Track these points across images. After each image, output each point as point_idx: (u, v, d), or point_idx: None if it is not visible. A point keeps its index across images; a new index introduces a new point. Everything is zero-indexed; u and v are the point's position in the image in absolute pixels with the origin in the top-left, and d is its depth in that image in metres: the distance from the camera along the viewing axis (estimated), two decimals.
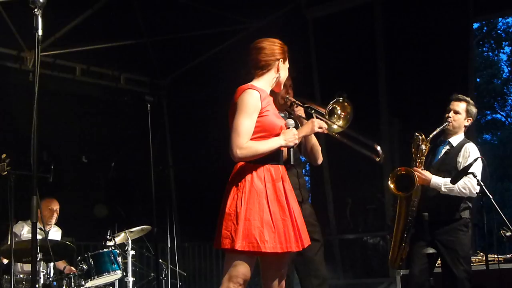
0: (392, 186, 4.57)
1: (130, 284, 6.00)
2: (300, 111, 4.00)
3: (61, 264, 6.07)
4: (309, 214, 4.09)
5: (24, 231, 6.06)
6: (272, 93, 3.41)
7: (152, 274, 7.02)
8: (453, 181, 4.34)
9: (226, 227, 3.09)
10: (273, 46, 3.31)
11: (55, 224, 6.37)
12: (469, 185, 4.39)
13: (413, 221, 4.58)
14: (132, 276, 6.07)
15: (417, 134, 4.61)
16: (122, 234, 6.22)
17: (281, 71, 3.33)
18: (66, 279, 5.70)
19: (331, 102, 3.76)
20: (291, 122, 3.31)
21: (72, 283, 5.69)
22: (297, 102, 3.98)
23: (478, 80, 17.85)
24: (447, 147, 4.66)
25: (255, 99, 3.17)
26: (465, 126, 4.68)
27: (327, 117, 3.69)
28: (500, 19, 18.12)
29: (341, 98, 3.71)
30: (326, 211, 8.29)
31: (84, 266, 5.80)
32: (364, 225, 8.57)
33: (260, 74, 3.30)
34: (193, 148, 9.03)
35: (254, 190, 3.13)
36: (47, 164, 5.74)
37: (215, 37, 8.38)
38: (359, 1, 8.03)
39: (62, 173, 7.24)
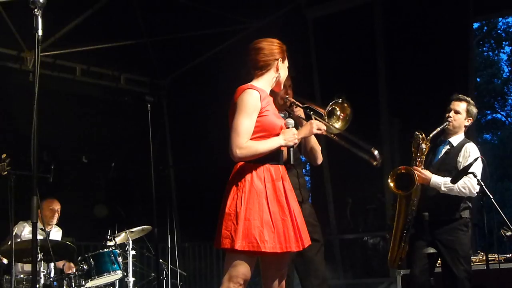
0: (392, 184, 4.58)
1: (131, 284, 6.00)
2: (299, 111, 4.00)
3: (60, 263, 6.06)
4: (309, 214, 4.09)
5: (25, 231, 6.06)
6: (272, 93, 3.42)
7: (153, 274, 7.02)
8: (453, 181, 4.34)
9: (226, 227, 3.10)
10: (271, 46, 3.32)
11: (55, 224, 6.38)
12: (469, 184, 4.40)
13: (413, 221, 4.59)
14: (133, 276, 6.07)
15: (417, 133, 4.61)
16: (123, 234, 6.23)
17: (281, 70, 3.34)
18: (66, 279, 5.71)
19: (330, 103, 3.76)
20: (290, 121, 3.31)
21: (73, 283, 5.69)
22: (296, 102, 3.98)
23: (478, 80, 17.85)
24: (448, 146, 4.66)
25: (255, 99, 3.18)
26: (465, 126, 4.68)
27: (326, 118, 3.69)
28: (500, 19, 18.12)
29: (340, 99, 3.71)
30: (327, 211, 8.30)
31: (84, 266, 5.81)
32: (364, 225, 8.58)
33: (259, 74, 3.31)
34: (193, 148, 9.03)
35: (254, 190, 3.13)
36: (47, 164, 5.75)
37: (215, 37, 8.38)
38: (359, 1, 8.03)
39: (62, 173, 7.23)
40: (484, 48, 19.86)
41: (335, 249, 8.33)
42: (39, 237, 5.23)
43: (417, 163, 4.58)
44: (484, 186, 4.20)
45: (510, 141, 18.65)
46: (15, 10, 6.88)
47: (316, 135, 3.83)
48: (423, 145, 4.57)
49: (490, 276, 4.53)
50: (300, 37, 8.15)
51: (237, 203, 3.11)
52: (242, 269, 3.10)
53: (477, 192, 4.36)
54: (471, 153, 4.52)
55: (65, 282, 5.68)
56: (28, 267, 5.86)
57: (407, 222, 4.60)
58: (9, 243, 5.14)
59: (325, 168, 8.13)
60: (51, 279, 5.65)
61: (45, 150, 7.09)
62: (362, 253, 8.75)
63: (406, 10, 7.74)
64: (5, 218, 4.87)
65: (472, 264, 4.73)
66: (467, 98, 4.72)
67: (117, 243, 6.18)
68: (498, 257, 5.19)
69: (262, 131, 3.20)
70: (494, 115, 20.02)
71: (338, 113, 3.75)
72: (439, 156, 4.67)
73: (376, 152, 3.68)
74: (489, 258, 4.51)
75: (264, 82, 3.32)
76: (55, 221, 6.29)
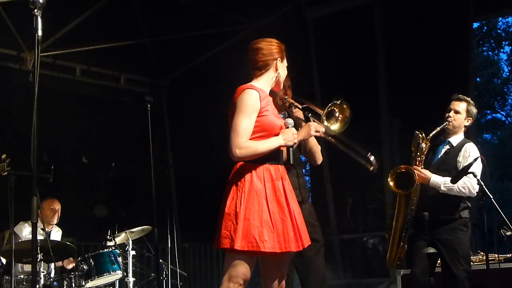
0: (391, 183, 4.58)
1: (131, 285, 6.00)
2: (298, 113, 4.00)
3: (60, 262, 6.06)
4: (309, 214, 4.09)
5: (25, 231, 6.06)
6: (271, 93, 3.42)
7: (153, 274, 7.02)
8: (453, 181, 4.34)
9: (226, 227, 3.10)
10: (270, 46, 3.32)
11: (55, 224, 6.38)
12: (469, 184, 4.40)
13: (412, 221, 4.59)
14: (133, 277, 6.07)
15: (417, 132, 4.61)
16: (123, 234, 6.23)
17: (280, 70, 3.34)
18: (66, 279, 5.71)
19: (329, 104, 3.75)
20: (290, 121, 3.31)
21: (73, 283, 5.70)
22: (295, 104, 3.98)
23: (478, 79, 17.85)
24: (447, 146, 4.67)
25: (254, 99, 3.18)
26: (465, 126, 4.69)
27: (324, 118, 3.68)
28: (500, 18, 18.12)
29: (339, 101, 3.70)
30: (327, 211, 8.29)
31: (84, 267, 5.81)
32: (365, 225, 8.57)
33: (259, 74, 3.31)
34: (193, 148, 9.03)
35: (253, 190, 3.13)
36: (47, 165, 5.75)
37: (215, 37, 8.38)
38: (359, 1, 8.02)
39: (62, 173, 7.24)
40: (484, 48, 19.86)
41: (335, 249, 8.32)
42: (39, 237, 5.23)
43: (417, 162, 4.59)
44: (484, 186, 4.20)
45: (510, 141, 18.65)
46: (15, 10, 6.88)
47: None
48: (423, 145, 4.58)
49: (490, 276, 4.53)
50: (300, 37, 8.15)
51: (237, 203, 3.12)
52: (241, 269, 3.10)
53: (477, 192, 4.37)
54: (471, 153, 4.52)
55: (65, 282, 5.68)
56: (28, 268, 5.86)
57: (406, 222, 4.60)
58: (5, 239, 5.13)
59: (325, 168, 8.12)
60: (51, 279, 5.65)
61: (45, 150, 7.09)
62: (362, 253, 8.75)
63: (406, 10, 7.74)
64: (5, 218, 4.86)
65: (472, 264, 4.73)
66: (467, 98, 4.72)
67: (117, 243, 6.18)
68: (498, 257, 5.19)
69: (262, 131, 3.20)
70: (494, 115, 20.03)
71: (337, 114, 3.74)
72: (439, 156, 4.67)
73: (372, 158, 3.69)
74: (489, 258, 4.51)
75: (264, 82, 3.32)
76: (55, 220, 6.30)
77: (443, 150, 4.67)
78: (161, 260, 6.48)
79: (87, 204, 8.25)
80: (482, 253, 5.41)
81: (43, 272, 5.45)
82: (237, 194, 3.14)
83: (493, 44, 20.03)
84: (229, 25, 8.20)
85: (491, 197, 4.16)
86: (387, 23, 7.91)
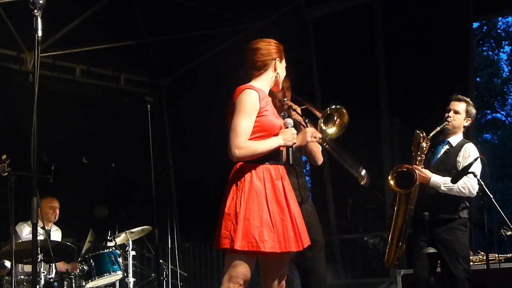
0: (392, 182, 4.58)
1: (131, 285, 6.00)
2: (296, 116, 3.99)
3: (62, 266, 6.06)
4: (309, 214, 4.09)
5: (26, 232, 6.06)
6: (270, 93, 3.42)
7: (153, 275, 7.02)
8: (453, 181, 4.34)
9: (226, 227, 3.10)
10: (268, 46, 3.33)
11: (54, 224, 6.37)
12: (469, 184, 4.40)
13: (410, 220, 4.59)
14: (133, 277, 6.07)
15: (418, 131, 4.62)
16: (123, 235, 6.23)
17: (279, 70, 3.35)
18: (67, 279, 5.71)
19: (328, 108, 3.75)
20: (289, 121, 3.31)
21: (73, 284, 5.69)
22: (294, 106, 3.99)
23: (478, 79, 17.85)
24: (447, 146, 4.67)
25: (254, 99, 3.18)
26: (464, 127, 4.69)
27: (322, 121, 3.68)
28: (499, 18, 18.13)
29: (338, 106, 3.71)
30: (327, 211, 8.29)
31: (84, 267, 5.81)
32: (365, 225, 8.57)
33: (257, 75, 3.32)
34: (193, 148, 9.03)
35: (253, 190, 3.13)
36: (47, 165, 5.75)
37: (215, 37, 8.38)
38: (359, 1, 8.02)
39: (62, 174, 7.22)
40: (484, 48, 19.87)
41: (335, 249, 8.32)
42: (40, 237, 5.23)
43: (417, 162, 4.59)
44: (484, 186, 4.20)
45: (510, 140, 18.66)
46: (15, 11, 6.88)
47: None
48: (424, 144, 4.58)
49: (490, 276, 4.53)
50: (300, 37, 8.15)
51: (237, 203, 3.12)
52: (241, 269, 3.11)
53: (477, 192, 4.37)
54: (470, 153, 4.52)
55: (65, 282, 5.68)
56: (28, 268, 5.85)
57: (405, 222, 4.60)
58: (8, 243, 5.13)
59: (325, 168, 8.12)
60: (51, 280, 5.65)
61: (45, 151, 7.07)
62: (362, 253, 8.75)
63: (406, 10, 7.74)
64: (5, 218, 4.87)
65: (472, 264, 4.73)
66: (467, 99, 4.73)
67: (117, 243, 6.18)
68: (498, 256, 5.20)
69: (261, 131, 3.21)
70: (494, 114, 20.05)
71: (335, 118, 3.74)
72: (438, 156, 4.67)
73: (363, 172, 3.71)
74: (489, 258, 4.51)
75: (263, 82, 3.32)
76: (54, 218, 6.29)
77: (443, 150, 4.67)
78: (161, 261, 6.48)
79: (87, 205, 8.24)
80: (482, 253, 5.41)
81: (44, 272, 5.44)
82: (237, 194, 3.14)
83: (493, 44, 20.05)
84: (229, 25, 8.20)
85: (491, 197, 4.16)
86: (387, 23, 7.91)
